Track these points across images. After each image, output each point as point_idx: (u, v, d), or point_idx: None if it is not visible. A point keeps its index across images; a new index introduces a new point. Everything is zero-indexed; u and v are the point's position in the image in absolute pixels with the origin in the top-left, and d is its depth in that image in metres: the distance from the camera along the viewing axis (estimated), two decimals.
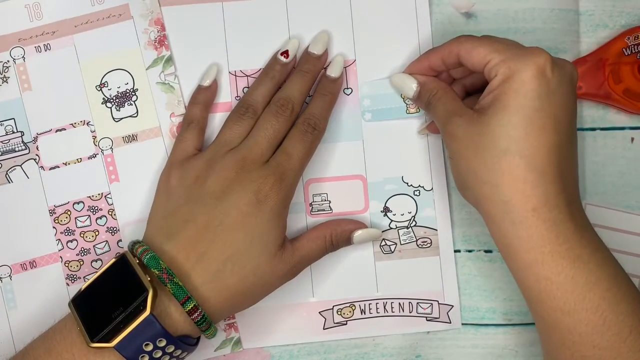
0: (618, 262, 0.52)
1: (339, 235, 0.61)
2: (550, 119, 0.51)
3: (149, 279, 0.53)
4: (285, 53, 0.62)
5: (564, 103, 0.52)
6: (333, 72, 0.62)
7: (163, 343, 0.51)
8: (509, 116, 0.50)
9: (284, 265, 0.57)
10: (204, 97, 0.63)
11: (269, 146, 0.58)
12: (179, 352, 0.53)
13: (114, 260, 0.55)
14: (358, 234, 0.61)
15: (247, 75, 0.64)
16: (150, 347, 0.51)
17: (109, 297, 0.53)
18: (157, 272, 0.52)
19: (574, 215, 0.51)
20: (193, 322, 0.53)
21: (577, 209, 0.52)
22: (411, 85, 0.60)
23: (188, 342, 0.54)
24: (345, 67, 0.64)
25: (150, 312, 0.51)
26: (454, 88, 0.60)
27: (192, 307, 0.52)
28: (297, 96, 0.60)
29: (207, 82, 0.63)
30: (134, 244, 0.56)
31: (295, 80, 0.61)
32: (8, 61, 0.64)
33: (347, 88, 0.64)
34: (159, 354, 0.52)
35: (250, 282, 0.56)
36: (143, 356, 0.51)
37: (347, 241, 0.61)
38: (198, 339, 0.57)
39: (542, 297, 0.51)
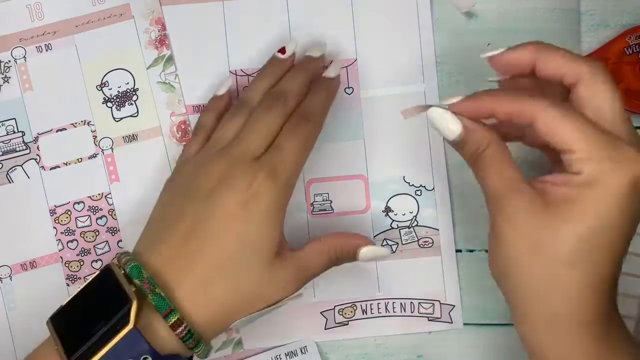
0: None
1: (343, 251, 0.55)
2: (623, 235, 0.45)
3: (134, 289, 0.48)
4: (282, 50, 0.61)
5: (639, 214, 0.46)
6: (329, 73, 0.60)
7: None
8: (583, 227, 0.44)
9: (283, 276, 0.52)
10: (217, 105, 0.61)
11: (259, 142, 0.53)
12: None
13: (97, 273, 0.51)
14: (364, 251, 0.55)
15: (247, 75, 0.64)
16: None
17: (90, 312, 0.48)
18: (138, 283, 0.48)
19: (616, 323, 0.47)
20: (180, 337, 0.48)
21: (617, 316, 0.48)
22: (453, 128, 0.49)
23: None
24: (346, 67, 0.64)
25: (134, 326, 0.46)
26: None
27: (175, 321, 0.47)
28: (290, 89, 0.56)
29: (220, 92, 0.62)
30: (120, 255, 0.51)
31: (290, 75, 0.58)
32: (9, 61, 0.64)
33: (349, 87, 0.64)
34: None
35: (244, 294, 0.51)
36: None
37: (352, 257, 0.56)
38: (191, 358, 0.52)
39: None
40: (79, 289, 0.50)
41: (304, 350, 0.64)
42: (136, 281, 0.48)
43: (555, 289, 0.45)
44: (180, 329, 0.48)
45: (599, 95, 0.46)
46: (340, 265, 0.57)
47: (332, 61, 0.63)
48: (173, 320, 0.47)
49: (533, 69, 0.49)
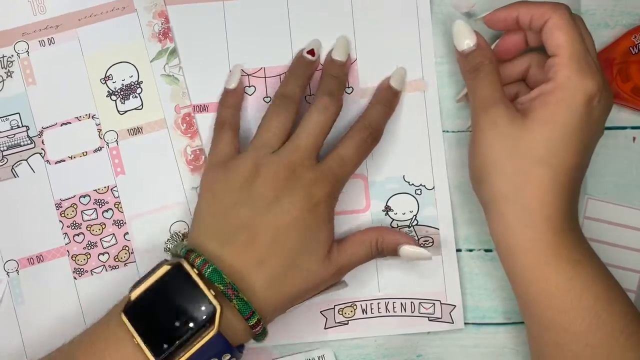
0: (609, 270, 0.55)
1: (385, 244, 0.60)
2: (582, 142, 0.53)
3: (213, 294, 0.52)
4: (312, 52, 0.63)
5: (596, 132, 0.55)
6: (396, 85, 0.63)
7: (227, 357, 0.52)
8: (553, 130, 0.52)
9: (331, 268, 0.57)
10: (232, 99, 0.63)
11: (316, 145, 0.57)
12: None
13: (167, 268, 0.53)
14: (406, 248, 0.60)
15: (248, 74, 0.64)
16: None
17: (169, 311, 0.52)
18: (221, 287, 0.52)
19: (576, 227, 0.55)
20: (254, 334, 0.54)
21: (577, 222, 0.56)
22: (468, 41, 0.57)
23: (241, 350, 0.55)
24: None
25: (219, 330, 0.51)
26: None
27: (255, 321, 0.53)
28: (338, 93, 0.60)
29: (232, 85, 0.63)
30: (188, 251, 0.54)
31: (330, 82, 0.61)
32: (12, 55, 0.64)
33: (348, 87, 0.64)
34: None
35: (304, 287, 0.56)
36: None
37: (393, 252, 0.60)
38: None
39: (539, 296, 0.53)
40: (147, 284, 0.53)
41: (321, 358, 0.65)
42: (218, 286, 0.52)
43: (529, 182, 0.53)
44: (257, 328, 0.53)
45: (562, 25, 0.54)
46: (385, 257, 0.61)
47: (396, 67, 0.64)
48: (254, 321, 0.53)
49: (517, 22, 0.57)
